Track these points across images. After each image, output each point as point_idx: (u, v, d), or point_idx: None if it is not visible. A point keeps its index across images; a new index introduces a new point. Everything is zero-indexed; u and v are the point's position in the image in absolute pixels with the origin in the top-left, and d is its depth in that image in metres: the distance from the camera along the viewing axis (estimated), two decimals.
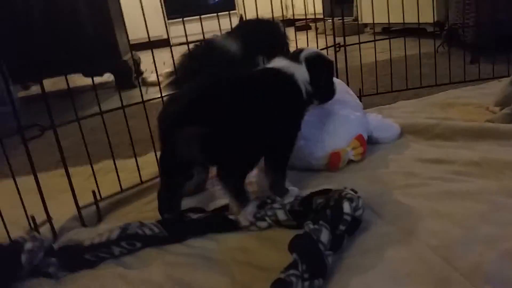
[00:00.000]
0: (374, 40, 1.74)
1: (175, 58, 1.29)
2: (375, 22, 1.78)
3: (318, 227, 0.72)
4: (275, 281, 0.63)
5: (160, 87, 1.27)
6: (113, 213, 1.07)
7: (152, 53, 1.23)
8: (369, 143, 1.18)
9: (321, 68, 1.01)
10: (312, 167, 1.10)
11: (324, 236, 0.71)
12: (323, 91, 1.03)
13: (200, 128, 0.83)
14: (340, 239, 0.75)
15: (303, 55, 1.00)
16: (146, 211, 1.04)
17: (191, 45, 1.62)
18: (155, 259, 0.82)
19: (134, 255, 0.85)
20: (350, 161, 1.12)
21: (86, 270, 0.81)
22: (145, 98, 1.18)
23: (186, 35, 1.32)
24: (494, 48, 1.71)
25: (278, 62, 1.00)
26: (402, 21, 1.69)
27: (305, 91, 0.97)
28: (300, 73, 0.98)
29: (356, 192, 0.81)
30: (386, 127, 1.24)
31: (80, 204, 1.01)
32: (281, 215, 0.86)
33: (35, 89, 3.62)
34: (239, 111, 0.87)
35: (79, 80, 3.31)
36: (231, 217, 0.88)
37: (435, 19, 2.60)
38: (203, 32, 1.43)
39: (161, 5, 5.62)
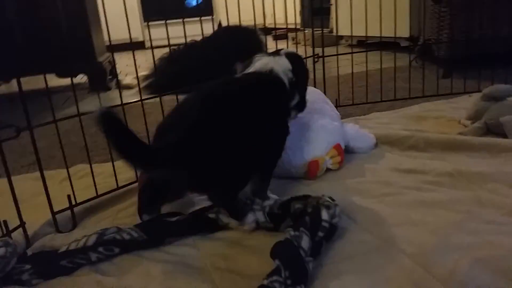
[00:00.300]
0: (352, 53, 1.77)
1: (150, 62, 1.27)
2: (351, 34, 1.82)
3: (299, 234, 0.73)
4: (259, 287, 0.64)
5: (140, 89, 1.26)
6: (88, 219, 1.04)
7: (133, 55, 1.21)
8: (346, 152, 1.20)
9: (300, 62, 1.03)
10: (291, 175, 1.11)
11: (305, 242, 0.72)
12: (303, 86, 1.04)
13: (191, 167, 0.79)
14: (319, 245, 0.76)
15: (283, 51, 1.03)
16: (122, 217, 1.02)
17: (168, 49, 1.60)
18: (133, 266, 0.81)
19: (111, 262, 0.83)
20: (328, 170, 1.14)
21: (62, 277, 0.79)
22: (119, 101, 1.15)
23: (168, 38, 1.31)
24: (466, 64, 1.78)
25: (258, 59, 1.00)
26: (377, 35, 1.74)
27: (287, 81, 0.97)
28: (280, 64, 0.98)
29: (333, 200, 0.83)
30: (363, 138, 1.27)
31: (54, 209, 0.98)
32: (260, 216, 0.86)
33: (4, 88, 3.52)
34: (237, 132, 0.84)
35: (51, 80, 3.23)
36: (210, 215, 0.88)
37: (410, 34, 2.68)
38: (185, 36, 1.43)
39: (138, 7, 5.58)
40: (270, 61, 0.98)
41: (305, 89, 1.07)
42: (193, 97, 0.90)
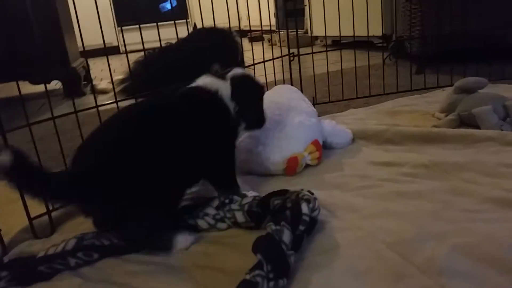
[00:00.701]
0: (326, 51, 1.79)
1: (125, 66, 1.26)
2: (326, 35, 1.84)
3: (280, 228, 0.73)
4: (241, 282, 0.64)
5: (115, 93, 1.24)
6: (66, 224, 1.02)
7: (108, 59, 1.20)
8: (324, 148, 1.21)
9: (246, 87, 0.98)
10: (270, 172, 1.12)
11: (286, 236, 0.72)
12: (249, 113, 0.99)
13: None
14: (300, 239, 0.76)
15: (229, 74, 0.98)
16: None
17: (143, 53, 1.59)
18: (114, 269, 0.80)
19: (92, 266, 0.82)
20: (307, 166, 1.15)
21: (40, 283, 0.78)
22: (98, 104, 1.14)
23: (142, 42, 1.30)
24: (438, 59, 1.83)
25: (202, 80, 0.97)
26: (351, 35, 1.76)
27: (232, 108, 0.95)
28: (224, 89, 0.94)
29: (312, 194, 0.83)
30: (340, 133, 1.28)
31: (31, 215, 0.96)
32: (240, 217, 0.86)
33: None
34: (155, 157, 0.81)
35: (24, 87, 3.16)
36: (190, 221, 0.87)
37: (383, 33, 2.72)
38: (160, 40, 1.42)
39: (112, 11, 5.52)
40: (216, 83, 0.95)
41: (255, 112, 1.01)
42: (115, 116, 0.88)
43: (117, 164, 0.77)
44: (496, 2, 2.02)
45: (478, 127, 1.23)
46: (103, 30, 1.16)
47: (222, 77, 0.97)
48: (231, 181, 0.97)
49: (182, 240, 0.83)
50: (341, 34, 1.75)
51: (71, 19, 2.98)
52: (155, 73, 2.39)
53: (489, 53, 1.87)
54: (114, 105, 1.17)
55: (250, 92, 0.99)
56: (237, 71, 1.00)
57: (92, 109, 1.14)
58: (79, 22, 1.14)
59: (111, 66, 1.26)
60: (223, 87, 0.95)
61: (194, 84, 0.97)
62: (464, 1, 1.97)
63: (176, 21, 1.60)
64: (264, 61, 1.66)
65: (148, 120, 0.84)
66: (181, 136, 0.85)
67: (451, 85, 1.43)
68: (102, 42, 1.16)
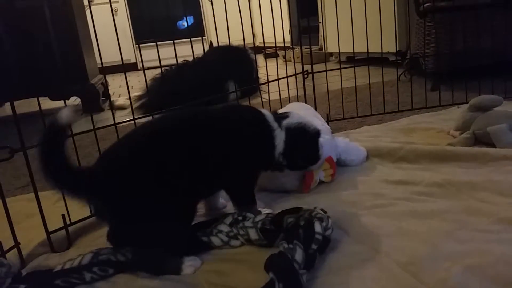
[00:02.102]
0: (340, 68, 1.81)
1: (142, 83, 1.30)
2: (340, 51, 1.86)
3: (293, 247, 0.74)
4: None
5: (132, 109, 1.27)
6: (83, 238, 1.04)
7: (125, 76, 1.23)
8: (338, 165, 1.22)
9: (302, 143, 1.01)
10: (284, 188, 1.12)
11: (299, 255, 0.73)
12: (298, 161, 1.02)
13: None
14: (313, 258, 0.76)
15: (285, 122, 1.00)
16: None
17: (160, 70, 1.62)
18: (128, 284, 0.81)
19: (107, 281, 0.83)
20: (321, 182, 1.15)
21: None
22: (116, 122, 1.17)
23: (159, 59, 1.33)
24: (453, 76, 1.82)
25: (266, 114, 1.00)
26: (365, 51, 1.77)
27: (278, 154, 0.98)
28: (279, 139, 0.98)
29: (325, 212, 0.84)
30: (354, 150, 1.29)
31: (49, 229, 0.98)
32: (253, 234, 0.87)
33: None
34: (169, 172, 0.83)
35: (44, 103, 3.24)
36: (203, 238, 0.88)
37: (397, 49, 2.73)
38: (176, 57, 1.45)
39: (130, 29, 5.64)
40: (274, 126, 0.98)
41: (315, 151, 1.05)
42: (142, 127, 0.91)
43: (127, 171, 0.80)
44: (508, 19, 2.01)
45: (493, 146, 1.23)
46: (121, 47, 1.20)
47: (278, 120, 0.99)
48: (251, 198, 0.98)
49: (189, 264, 0.83)
50: (356, 51, 1.76)
51: (90, 36, 3.06)
52: (172, 90, 2.44)
53: (504, 69, 1.86)
54: (132, 122, 1.20)
55: (306, 145, 1.02)
56: (292, 119, 1.01)
57: (110, 126, 1.17)
58: (98, 39, 1.18)
59: (129, 83, 1.29)
60: (277, 133, 0.97)
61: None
62: (478, 18, 1.97)
63: (193, 39, 1.64)
64: (278, 79, 1.68)
65: (186, 130, 0.88)
66: (216, 150, 0.89)
67: (466, 102, 1.42)
68: (120, 58, 1.19)
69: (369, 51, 1.81)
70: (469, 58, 1.99)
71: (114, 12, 5.51)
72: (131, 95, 2.71)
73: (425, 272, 0.71)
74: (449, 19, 2.03)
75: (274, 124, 0.98)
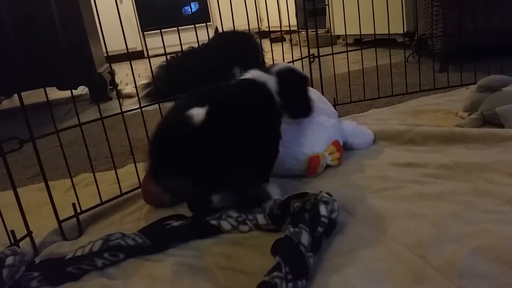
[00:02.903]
0: (347, 51, 1.79)
1: (149, 71, 1.30)
2: (347, 33, 1.84)
3: (299, 230, 0.74)
4: (260, 283, 0.65)
5: (138, 98, 1.28)
6: (93, 226, 1.06)
7: (131, 64, 1.23)
8: (344, 149, 1.22)
9: (291, 81, 1.03)
10: (291, 172, 1.13)
11: (305, 238, 0.73)
12: (295, 106, 1.04)
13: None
14: (319, 241, 0.77)
15: (274, 68, 1.04)
16: (127, 222, 1.04)
17: (168, 57, 1.62)
18: (139, 269, 0.83)
19: (117, 266, 0.85)
20: (328, 167, 1.15)
21: (69, 283, 0.81)
22: (123, 111, 1.18)
23: (164, 47, 1.33)
24: (461, 57, 1.80)
25: (251, 73, 1.03)
26: (373, 33, 1.75)
27: (277, 102, 1.00)
28: (271, 83, 1.00)
29: (331, 196, 0.84)
30: (361, 134, 1.28)
31: (60, 217, 1.00)
32: (261, 219, 0.88)
33: (6, 104, 3.56)
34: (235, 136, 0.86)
35: (52, 93, 3.27)
36: (213, 222, 0.89)
37: (405, 30, 2.69)
38: (181, 44, 1.44)
39: (136, 16, 5.62)
40: (263, 76, 1.01)
41: (306, 100, 1.08)
42: (192, 97, 0.92)
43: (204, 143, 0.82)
44: None
45: (502, 126, 1.21)
46: (127, 35, 1.20)
47: (267, 71, 1.03)
48: (265, 178, 0.97)
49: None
50: (363, 33, 1.74)
51: (95, 25, 3.06)
52: (178, 77, 2.44)
53: None
54: (139, 110, 1.20)
55: (295, 84, 1.05)
56: (281, 65, 1.05)
57: (117, 115, 1.18)
58: (104, 28, 1.18)
59: (135, 71, 1.29)
60: (270, 81, 1.00)
61: (244, 77, 1.02)
62: None
63: (198, 25, 1.63)
64: (288, 62, 1.66)
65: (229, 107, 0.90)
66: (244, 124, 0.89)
67: (475, 83, 1.40)
68: (127, 47, 1.19)
69: (376, 32, 1.78)
70: (478, 38, 1.95)
71: (119, 0, 5.50)
72: (138, 83, 2.72)
73: (432, 254, 0.72)
74: None
75: (270, 79, 1.00)
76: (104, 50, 3.16)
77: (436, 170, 1.04)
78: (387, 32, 1.71)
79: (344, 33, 3.35)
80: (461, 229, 0.77)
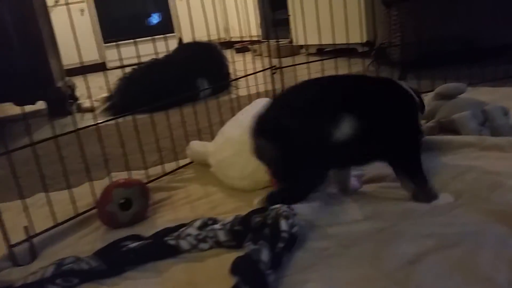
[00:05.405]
0: (308, 62, 1.80)
1: (112, 83, 1.26)
2: (309, 43, 1.85)
3: (258, 247, 0.73)
4: None
5: (94, 113, 1.24)
6: (48, 249, 1.01)
7: (86, 77, 1.19)
8: None
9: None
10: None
11: (265, 255, 0.72)
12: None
13: None
14: (280, 257, 0.76)
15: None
16: (83, 244, 0.99)
17: (129, 69, 1.59)
18: None
19: None
20: None
21: None
22: (81, 125, 1.14)
23: (121, 59, 1.29)
24: (419, 64, 1.84)
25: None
26: (335, 42, 1.77)
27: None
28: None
29: (292, 209, 0.83)
30: None
31: (12, 241, 0.95)
32: (222, 235, 0.86)
33: None
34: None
35: (10, 109, 3.15)
36: (171, 242, 0.87)
37: (365, 40, 2.75)
38: (138, 56, 1.42)
39: (98, 28, 5.52)
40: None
41: None
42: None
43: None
44: (472, 6, 2.05)
45: (458, 133, 1.24)
46: (89, 47, 1.17)
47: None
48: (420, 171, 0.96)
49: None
50: (325, 42, 1.76)
51: (54, 38, 2.97)
52: (140, 90, 2.40)
53: (468, 56, 1.89)
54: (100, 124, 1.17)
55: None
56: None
57: (72, 133, 1.14)
58: (65, 40, 1.14)
59: (98, 83, 1.26)
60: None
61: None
62: (441, 6, 2.00)
63: (163, 36, 1.61)
64: (246, 75, 1.67)
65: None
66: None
67: (433, 90, 1.44)
68: (87, 59, 1.16)
69: (337, 42, 1.81)
70: (435, 46, 2.01)
71: (80, 12, 5.39)
72: (100, 96, 2.66)
73: (391, 267, 0.72)
74: (414, 8, 2.04)
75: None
76: (68, 62, 3.08)
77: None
78: (350, 42, 1.73)
79: (306, 43, 3.39)
80: (422, 241, 0.77)
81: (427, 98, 1.46)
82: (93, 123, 1.17)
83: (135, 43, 1.40)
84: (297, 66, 1.81)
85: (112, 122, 1.31)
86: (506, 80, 1.76)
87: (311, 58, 1.89)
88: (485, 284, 0.65)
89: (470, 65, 1.84)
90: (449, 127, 1.28)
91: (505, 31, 2.04)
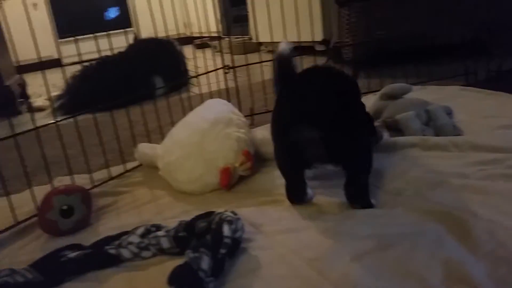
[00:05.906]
0: (261, 62, 1.80)
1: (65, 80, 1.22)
2: (268, 41, 1.86)
3: (199, 255, 0.73)
4: None
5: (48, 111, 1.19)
6: None
7: (43, 74, 1.14)
8: (257, 158, 1.22)
9: None
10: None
11: (205, 263, 0.72)
12: None
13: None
14: (222, 263, 0.76)
15: None
16: (23, 254, 0.95)
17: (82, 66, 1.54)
18: None
19: None
20: (241, 177, 1.15)
21: None
22: (30, 126, 1.09)
23: (79, 54, 1.25)
24: (370, 63, 1.88)
25: None
26: (294, 40, 1.78)
27: None
28: None
29: (235, 214, 0.83)
30: (271, 142, 1.29)
31: None
32: (165, 243, 0.85)
33: None
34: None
35: None
36: (111, 251, 0.85)
37: (323, 38, 2.78)
38: (97, 51, 1.37)
39: (53, 23, 5.32)
40: None
41: None
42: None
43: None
44: (420, 6, 2.11)
45: (403, 133, 1.27)
46: (42, 42, 1.11)
47: None
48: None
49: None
50: (278, 40, 1.76)
51: (3, 34, 2.84)
52: (93, 87, 2.33)
53: (417, 55, 1.95)
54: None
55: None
56: None
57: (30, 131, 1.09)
58: (16, 35, 1.08)
59: (51, 81, 1.21)
60: None
61: None
62: (390, 6, 2.05)
63: (122, 30, 1.57)
64: (199, 74, 1.65)
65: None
66: None
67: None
68: (42, 55, 1.10)
69: (292, 40, 1.81)
70: (385, 45, 2.06)
71: (33, 6, 5.18)
72: (52, 94, 2.56)
73: (329, 268, 0.73)
74: (365, 7, 2.08)
75: None
76: (15, 59, 2.95)
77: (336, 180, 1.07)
78: (307, 40, 1.74)
79: (266, 40, 3.39)
80: (355, 243, 0.79)
81: (374, 98, 1.50)
82: (32, 127, 1.12)
83: (95, 38, 1.35)
84: (256, 64, 1.81)
85: (64, 122, 1.27)
86: (453, 79, 1.82)
87: (267, 58, 1.89)
88: (419, 285, 0.67)
89: (419, 64, 1.89)
90: (394, 127, 1.31)
91: (453, 30, 2.11)
